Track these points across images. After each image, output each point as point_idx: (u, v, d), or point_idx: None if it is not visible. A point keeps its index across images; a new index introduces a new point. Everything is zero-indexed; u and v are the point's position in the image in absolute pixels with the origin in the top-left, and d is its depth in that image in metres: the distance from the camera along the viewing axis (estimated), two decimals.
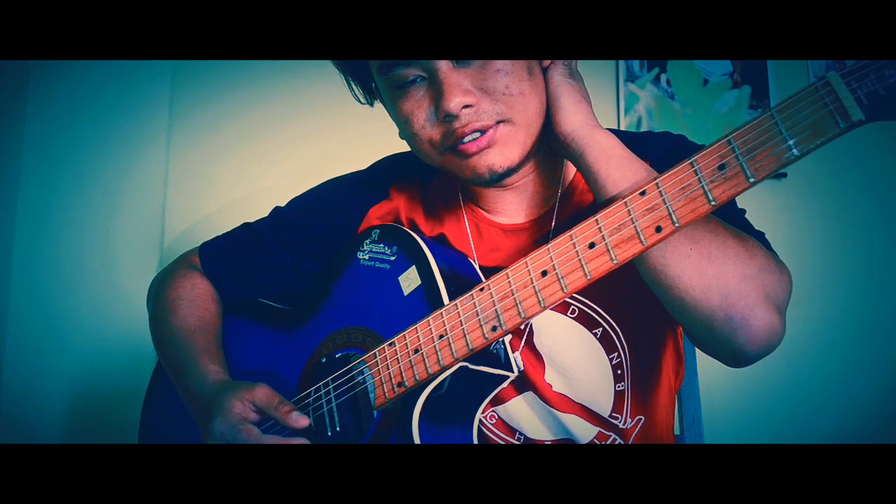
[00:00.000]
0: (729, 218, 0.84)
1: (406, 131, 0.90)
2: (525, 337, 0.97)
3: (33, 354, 1.81)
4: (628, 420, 0.98)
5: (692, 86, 1.90)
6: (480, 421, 0.98)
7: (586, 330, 0.96)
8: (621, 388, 0.97)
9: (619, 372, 0.97)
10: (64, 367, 1.80)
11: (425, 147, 0.89)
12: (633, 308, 0.95)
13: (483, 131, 0.85)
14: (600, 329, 0.96)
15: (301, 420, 0.86)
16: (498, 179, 0.88)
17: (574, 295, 0.94)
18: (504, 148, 0.86)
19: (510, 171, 0.88)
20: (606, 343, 0.96)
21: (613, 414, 0.98)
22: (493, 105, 0.84)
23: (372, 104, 1.01)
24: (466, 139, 0.85)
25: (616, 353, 0.96)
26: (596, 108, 0.90)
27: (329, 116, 1.81)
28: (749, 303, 0.76)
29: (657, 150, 0.93)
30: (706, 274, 0.77)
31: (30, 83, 1.89)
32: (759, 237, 0.87)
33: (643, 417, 0.98)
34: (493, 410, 0.99)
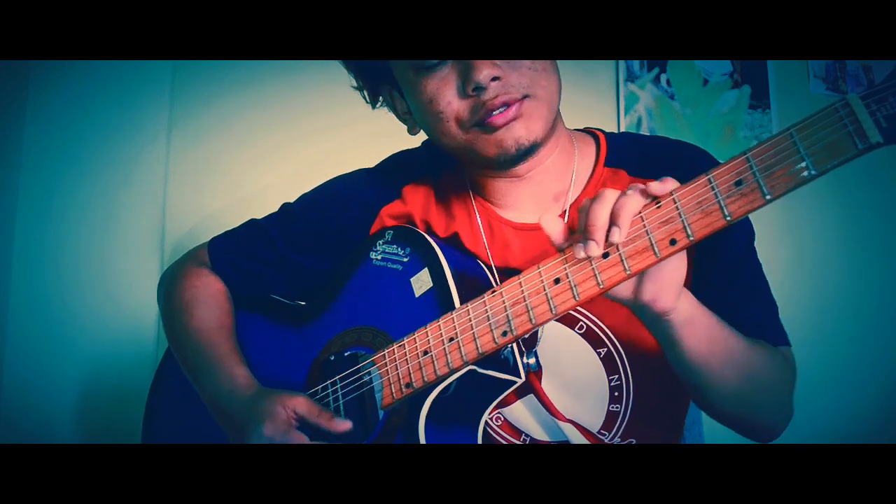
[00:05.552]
0: (749, 280, 0.88)
1: (429, 111, 0.90)
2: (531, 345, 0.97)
3: (33, 355, 1.80)
4: (617, 440, 0.97)
5: (692, 86, 1.90)
6: (486, 423, 0.98)
7: (591, 348, 0.95)
8: (616, 409, 0.97)
9: (616, 394, 0.96)
10: (64, 368, 1.80)
11: (450, 126, 0.89)
12: (643, 336, 0.93)
13: (510, 104, 0.86)
14: (605, 349, 0.95)
15: (343, 425, 0.88)
16: (523, 155, 0.89)
17: (585, 312, 0.95)
18: (529, 122, 0.87)
19: (534, 147, 0.89)
20: (608, 364, 0.96)
21: (601, 431, 0.98)
22: (520, 79, 0.86)
23: (374, 105, 1.01)
24: (495, 112, 0.86)
25: (617, 376, 0.96)
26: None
27: (330, 117, 1.81)
28: (779, 422, 0.95)
29: (687, 163, 0.93)
30: (743, 395, 0.88)
31: (30, 83, 1.88)
32: (774, 311, 0.94)
33: (635, 441, 0.98)
34: (498, 412, 0.99)
